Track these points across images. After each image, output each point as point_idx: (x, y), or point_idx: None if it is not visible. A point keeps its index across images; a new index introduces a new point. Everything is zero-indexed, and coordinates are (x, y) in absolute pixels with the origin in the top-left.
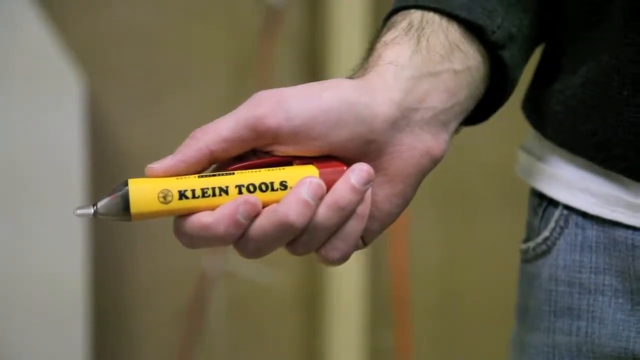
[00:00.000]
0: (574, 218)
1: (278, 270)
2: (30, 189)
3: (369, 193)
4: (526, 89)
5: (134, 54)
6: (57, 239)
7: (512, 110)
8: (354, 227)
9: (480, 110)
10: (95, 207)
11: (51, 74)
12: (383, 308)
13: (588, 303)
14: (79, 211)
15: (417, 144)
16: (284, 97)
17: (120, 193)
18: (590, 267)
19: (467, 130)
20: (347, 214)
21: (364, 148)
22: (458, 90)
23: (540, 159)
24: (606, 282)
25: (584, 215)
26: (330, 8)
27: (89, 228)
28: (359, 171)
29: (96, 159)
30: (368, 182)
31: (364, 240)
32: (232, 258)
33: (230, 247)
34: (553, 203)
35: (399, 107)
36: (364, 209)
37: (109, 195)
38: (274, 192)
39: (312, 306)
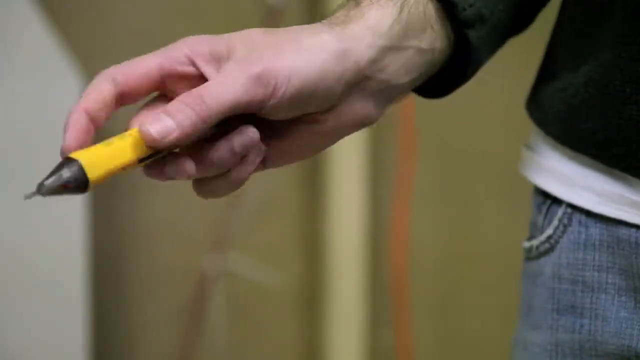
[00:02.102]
0: (577, 216)
1: (278, 270)
2: (28, 189)
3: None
4: (530, 88)
5: (134, 54)
6: (57, 240)
7: (513, 108)
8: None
9: (438, 87)
10: (42, 185)
11: (51, 74)
12: (383, 308)
13: (591, 301)
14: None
15: (360, 110)
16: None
17: (68, 167)
18: (594, 265)
19: (468, 128)
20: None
21: (314, 102)
22: (415, 69)
23: (543, 157)
24: (609, 280)
25: (588, 213)
26: (330, 8)
27: (89, 228)
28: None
29: None
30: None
31: (266, 165)
32: (232, 258)
33: (231, 247)
34: (557, 201)
35: (360, 72)
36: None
37: (54, 173)
38: None
39: (312, 306)
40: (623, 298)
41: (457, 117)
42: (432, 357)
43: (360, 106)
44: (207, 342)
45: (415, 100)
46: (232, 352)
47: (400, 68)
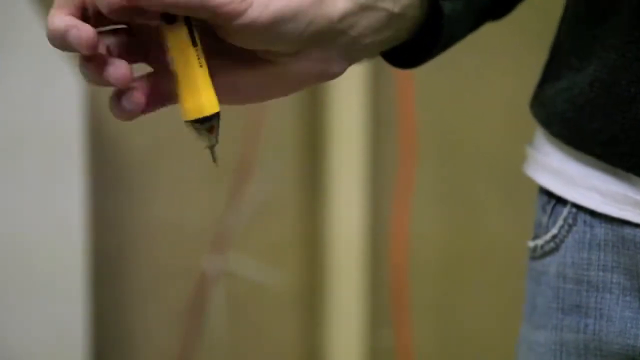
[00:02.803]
0: (582, 216)
1: (278, 270)
2: (29, 190)
3: None
4: (534, 88)
5: None
6: (57, 239)
7: (513, 107)
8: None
9: (409, 57)
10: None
11: (51, 74)
12: (383, 308)
13: (596, 301)
14: None
15: (323, 63)
16: None
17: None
18: (598, 265)
19: (469, 128)
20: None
21: (281, 40)
22: (383, 31)
23: (548, 157)
24: (614, 280)
25: (592, 213)
26: None
27: (89, 228)
28: None
29: (96, 159)
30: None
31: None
32: (232, 258)
33: (231, 247)
34: (561, 201)
35: (332, 24)
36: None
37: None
38: None
39: (312, 306)
40: (628, 298)
41: (457, 116)
42: (432, 357)
43: (322, 58)
44: (207, 342)
45: (415, 100)
46: (232, 352)
47: (369, 28)
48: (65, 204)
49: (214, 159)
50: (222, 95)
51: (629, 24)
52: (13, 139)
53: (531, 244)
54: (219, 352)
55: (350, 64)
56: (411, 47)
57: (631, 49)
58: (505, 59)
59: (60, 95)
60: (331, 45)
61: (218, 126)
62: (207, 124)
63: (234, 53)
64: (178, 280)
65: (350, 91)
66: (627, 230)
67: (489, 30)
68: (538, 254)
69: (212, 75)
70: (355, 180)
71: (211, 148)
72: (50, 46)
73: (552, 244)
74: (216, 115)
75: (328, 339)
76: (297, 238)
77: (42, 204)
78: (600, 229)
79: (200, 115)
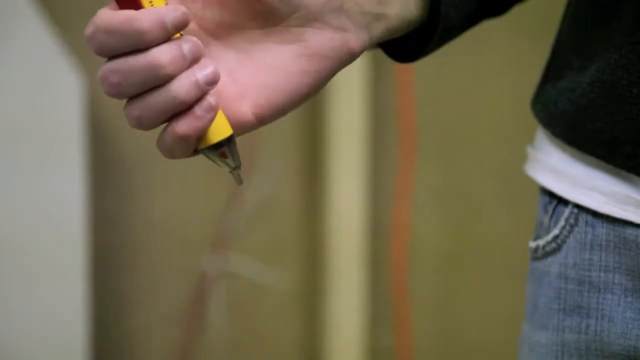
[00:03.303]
0: (583, 216)
1: (278, 270)
2: (29, 189)
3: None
4: (535, 88)
5: None
6: (58, 239)
7: (514, 107)
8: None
9: (412, 48)
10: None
11: (51, 74)
12: (383, 308)
13: (597, 301)
14: None
15: (340, 31)
16: None
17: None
18: (600, 266)
19: (469, 127)
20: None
21: (296, 8)
22: (388, 3)
23: (549, 156)
24: (616, 281)
25: (594, 213)
26: None
27: (89, 228)
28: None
29: (96, 159)
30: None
31: (257, 115)
32: (232, 258)
33: (231, 247)
34: (563, 201)
35: None
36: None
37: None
38: None
39: (312, 306)
40: (629, 298)
41: (458, 116)
42: (432, 357)
43: (340, 26)
44: (207, 342)
45: (416, 100)
46: (232, 352)
47: None
48: (65, 203)
49: (237, 182)
50: (265, 81)
51: (630, 25)
52: (13, 139)
53: (532, 244)
54: (219, 352)
55: (370, 39)
56: (411, 39)
57: (633, 49)
58: (505, 59)
59: (60, 94)
60: (339, 12)
61: (233, 149)
62: (217, 151)
63: (256, 25)
64: (178, 280)
65: (350, 91)
66: (629, 231)
67: (489, 30)
68: (539, 255)
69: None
70: (355, 180)
71: (232, 172)
72: (50, 45)
73: (553, 245)
74: (226, 141)
75: (328, 339)
76: (297, 238)
77: (42, 204)
78: (602, 230)
79: (208, 144)
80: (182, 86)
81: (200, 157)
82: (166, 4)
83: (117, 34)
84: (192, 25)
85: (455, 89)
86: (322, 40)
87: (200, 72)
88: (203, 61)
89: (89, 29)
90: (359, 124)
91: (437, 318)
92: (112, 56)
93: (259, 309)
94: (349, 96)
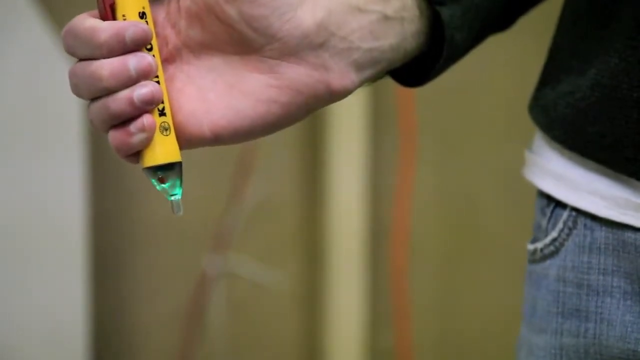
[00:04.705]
0: (582, 220)
1: (278, 270)
2: (29, 189)
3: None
4: (533, 91)
5: None
6: (58, 239)
7: (514, 107)
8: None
9: (418, 72)
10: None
11: (51, 73)
12: (383, 308)
13: (596, 305)
14: None
15: (319, 68)
16: None
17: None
18: (599, 269)
19: (469, 127)
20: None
21: (269, 41)
22: (383, 36)
23: (548, 160)
24: (614, 284)
25: (593, 217)
26: None
27: (89, 227)
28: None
29: (96, 158)
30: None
31: (215, 133)
32: (232, 258)
33: (231, 247)
34: (561, 204)
35: (318, 24)
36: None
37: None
38: None
39: (312, 306)
40: (628, 302)
41: (458, 116)
42: (432, 357)
43: (319, 64)
44: (207, 342)
45: (416, 100)
46: (232, 352)
47: (364, 31)
48: (65, 203)
49: (173, 210)
50: (231, 106)
51: (630, 29)
52: (13, 138)
53: (530, 247)
54: (219, 352)
55: (360, 77)
56: (418, 62)
57: (634, 53)
58: (505, 59)
59: (60, 94)
60: (325, 50)
61: (173, 177)
62: (155, 174)
63: (234, 51)
64: (178, 280)
65: None
66: (628, 234)
67: None
68: (538, 257)
69: (217, 77)
70: (355, 180)
71: (169, 199)
72: (49, 45)
73: (552, 247)
74: (166, 167)
75: (328, 339)
76: (297, 238)
77: (42, 204)
78: (601, 233)
79: (145, 164)
80: (116, 100)
81: (201, 157)
82: (144, 19)
83: (80, 39)
84: (177, 42)
85: (455, 89)
86: (295, 75)
87: (138, 90)
88: (148, 81)
89: (63, 30)
90: (359, 124)
91: (437, 318)
92: (80, 59)
93: (259, 308)
94: (349, 96)
